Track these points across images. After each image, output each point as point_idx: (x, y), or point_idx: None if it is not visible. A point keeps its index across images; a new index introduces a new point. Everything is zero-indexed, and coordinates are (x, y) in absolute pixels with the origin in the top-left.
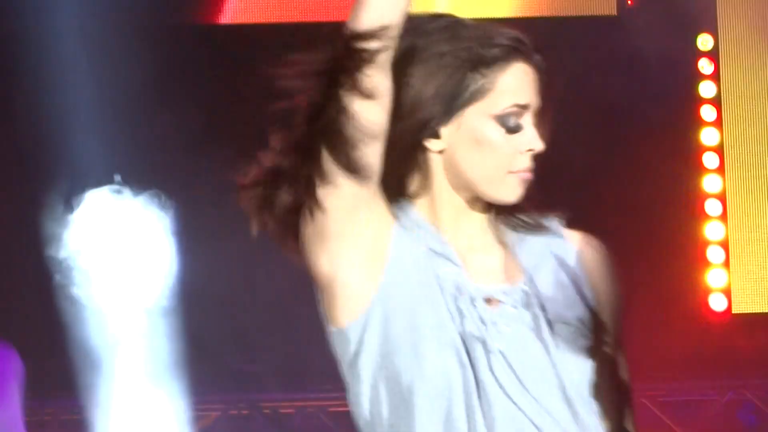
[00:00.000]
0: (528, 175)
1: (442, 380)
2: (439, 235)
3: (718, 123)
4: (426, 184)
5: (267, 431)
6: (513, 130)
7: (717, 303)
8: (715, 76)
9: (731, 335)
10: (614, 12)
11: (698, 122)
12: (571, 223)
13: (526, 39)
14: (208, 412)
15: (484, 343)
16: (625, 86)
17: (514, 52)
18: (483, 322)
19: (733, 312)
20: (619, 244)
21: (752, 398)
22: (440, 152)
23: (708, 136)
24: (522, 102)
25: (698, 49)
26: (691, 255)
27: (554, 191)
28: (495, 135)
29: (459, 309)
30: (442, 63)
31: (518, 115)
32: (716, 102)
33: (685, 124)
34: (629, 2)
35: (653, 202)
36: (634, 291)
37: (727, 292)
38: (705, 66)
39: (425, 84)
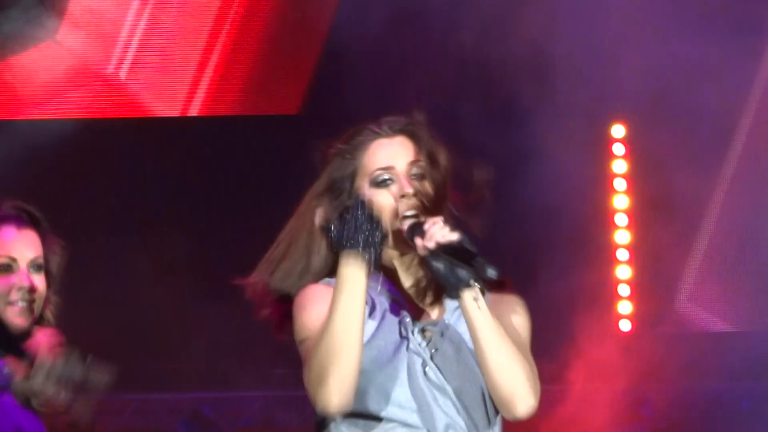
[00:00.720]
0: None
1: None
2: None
3: None
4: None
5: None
6: (381, 185)
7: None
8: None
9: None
10: None
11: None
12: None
13: (380, 122)
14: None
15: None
16: None
17: (372, 134)
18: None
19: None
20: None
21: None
22: None
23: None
24: (382, 165)
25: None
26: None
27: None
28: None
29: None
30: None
31: (386, 172)
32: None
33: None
34: None
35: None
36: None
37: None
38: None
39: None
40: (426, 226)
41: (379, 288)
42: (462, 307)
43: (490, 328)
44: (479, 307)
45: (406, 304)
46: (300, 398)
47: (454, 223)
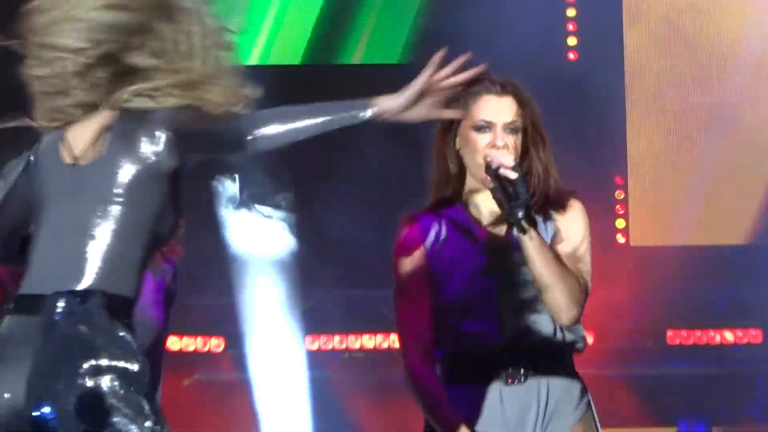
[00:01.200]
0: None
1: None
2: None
3: None
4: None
5: None
6: (480, 131)
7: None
8: None
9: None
10: None
11: None
12: None
13: (495, 80)
14: None
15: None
16: None
17: (485, 89)
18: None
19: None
20: None
21: None
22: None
23: None
24: (486, 118)
25: None
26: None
27: None
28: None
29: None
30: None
31: (487, 124)
32: None
33: None
34: None
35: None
36: None
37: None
38: None
39: None
40: (495, 163)
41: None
42: (516, 235)
43: (539, 253)
44: (530, 237)
45: (478, 229)
46: None
47: (530, 172)
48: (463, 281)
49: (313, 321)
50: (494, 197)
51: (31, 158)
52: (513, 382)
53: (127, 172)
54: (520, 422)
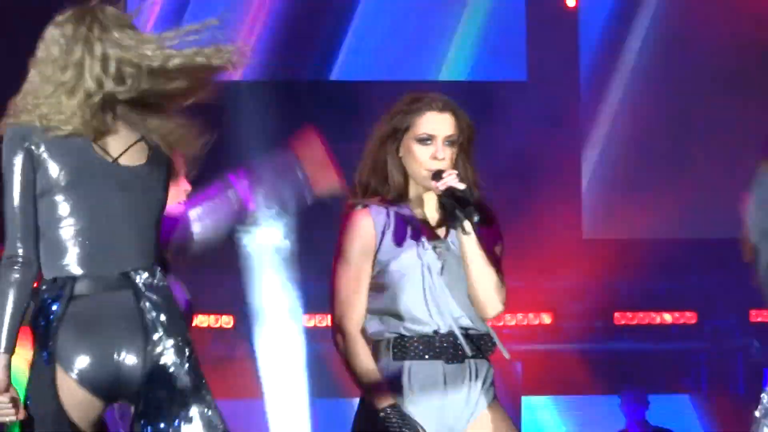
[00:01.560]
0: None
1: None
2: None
3: None
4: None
5: None
6: (422, 143)
7: None
8: None
9: None
10: None
11: None
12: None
13: (437, 98)
14: None
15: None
16: None
17: (428, 106)
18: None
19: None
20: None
21: None
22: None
23: None
24: (428, 131)
25: None
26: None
27: None
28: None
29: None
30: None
31: (429, 137)
32: None
33: None
34: None
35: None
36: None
37: None
38: None
39: None
40: (444, 174)
41: (406, 215)
42: (458, 236)
43: (475, 253)
44: (470, 238)
45: (423, 229)
46: None
47: (463, 180)
48: (406, 271)
49: (310, 302)
50: (444, 203)
51: (37, 153)
52: (451, 362)
53: (162, 173)
54: (456, 395)
